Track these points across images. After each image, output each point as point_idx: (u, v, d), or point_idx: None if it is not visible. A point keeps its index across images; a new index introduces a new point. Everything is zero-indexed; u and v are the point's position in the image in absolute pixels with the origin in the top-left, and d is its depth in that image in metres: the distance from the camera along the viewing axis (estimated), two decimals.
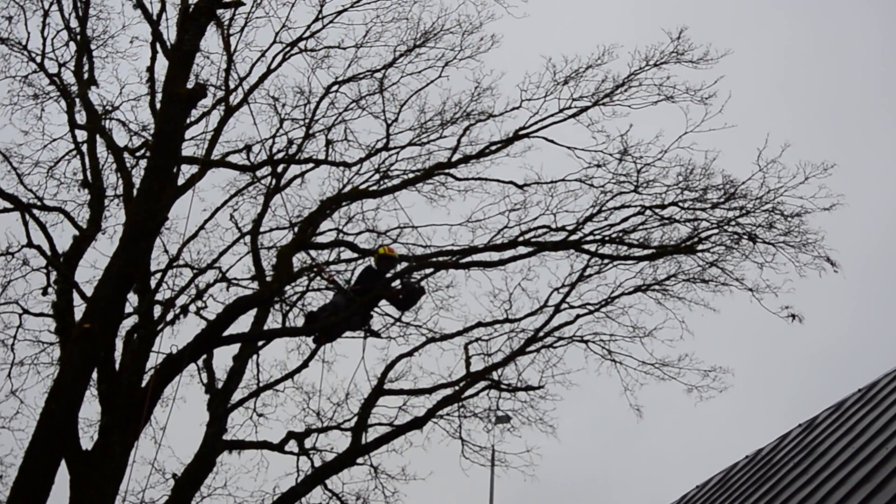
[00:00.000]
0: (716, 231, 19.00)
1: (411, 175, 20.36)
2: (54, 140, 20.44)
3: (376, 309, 18.56)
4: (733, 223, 18.91)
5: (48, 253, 18.56)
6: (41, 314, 19.26)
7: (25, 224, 18.85)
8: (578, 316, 20.09)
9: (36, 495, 15.13)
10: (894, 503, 7.81)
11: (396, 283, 17.57)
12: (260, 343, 20.01)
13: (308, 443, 20.00)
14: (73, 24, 19.85)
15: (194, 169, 19.19)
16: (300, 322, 19.74)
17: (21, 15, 20.06)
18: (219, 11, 18.96)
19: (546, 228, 19.58)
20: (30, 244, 18.88)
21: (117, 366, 17.38)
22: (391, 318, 19.75)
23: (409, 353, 20.46)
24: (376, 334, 18.88)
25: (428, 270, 19.90)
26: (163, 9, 19.08)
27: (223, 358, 19.81)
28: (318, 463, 19.68)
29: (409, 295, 17.90)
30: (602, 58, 19.68)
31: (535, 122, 19.85)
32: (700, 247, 19.08)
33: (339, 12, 20.40)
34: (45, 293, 18.91)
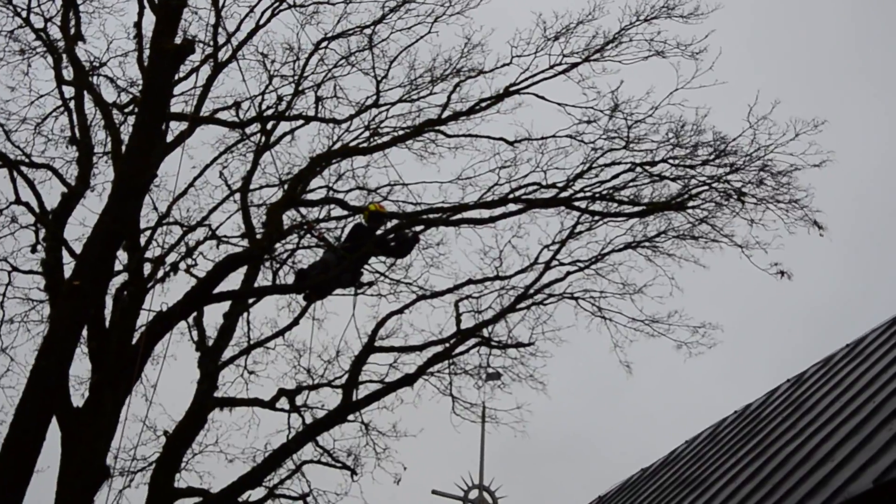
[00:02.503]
0: (706, 188, 19.08)
1: (401, 132, 20.45)
2: (41, 96, 20.46)
3: (366, 266, 18.64)
4: (723, 180, 19.00)
5: (37, 210, 18.61)
6: (30, 272, 19.32)
7: (13, 181, 18.93)
8: (569, 273, 20.21)
9: (27, 452, 15.23)
10: (881, 456, 7.90)
11: (391, 236, 17.71)
12: (250, 300, 20.20)
13: (299, 400, 20.20)
14: None
15: (183, 125, 19.31)
16: (290, 279, 19.84)
17: None
18: None
19: (536, 185, 19.65)
20: (18, 201, 18.93)
21: (107, 323, 17.50)
22: (382, 275, 19.81)
23: (400, 311, 20.56)
24: (368, 286, 19.00)
25: (418, 228, 20.05)
26: None
27: (214, 315, 20.01)
28: (309, 420, 19.88)
29: (404, 243, 18.03)
30: (592, 13, 19.68)
31: (526, 79, 19.83)
32: (690, 203, 19.16)
33: None
34: (33, 251, 18.97)
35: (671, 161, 19.25)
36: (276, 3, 20.23)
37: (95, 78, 19.96)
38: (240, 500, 18.92)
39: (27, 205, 18.79)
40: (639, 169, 19.32)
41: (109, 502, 17.43)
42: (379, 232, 18.21)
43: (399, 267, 20.42)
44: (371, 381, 20.06)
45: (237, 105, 20.47)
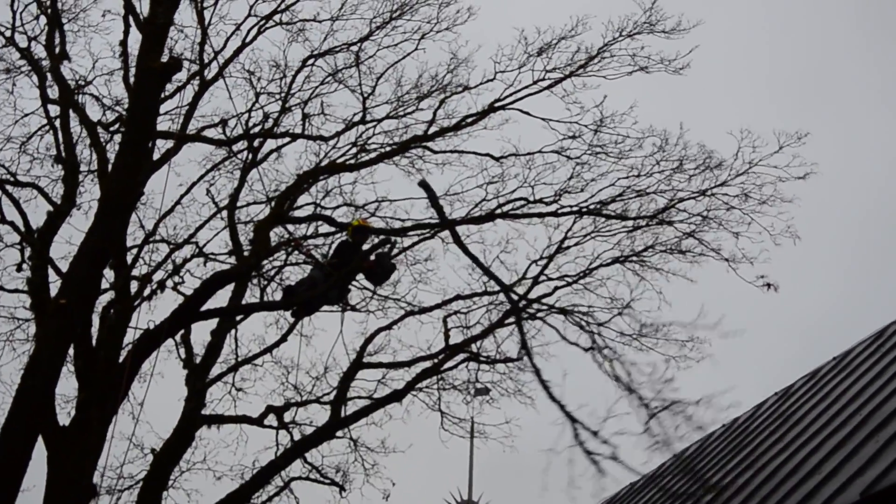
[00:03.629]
0: (692, 201, 19.19)
1: (388, 148, 20.57)
2: (26, 115, 20.55)
3: (354, 283, 18.68)
4: (709, 193, 19.09)
5: (22, 229, 18.59)
6: (16, 290, 19.35)
7: None
8: (557, 288, 20.17)
9: (13, 471, 15.18)
10: (867, 468, 7.94)
11: (372, 257, 17.73)
12: (238, 318, 20.19)
13: (287, 417, 20.24)
14: None
15: (169, 144, 19.45)
16: (278, 296, 19.90)
17: None
18: None
19: (524, 201, 19.76)
20: (3, 220, 18.90)
21: (94, 341, 17.47)
22: (369, 291, 19.90)
23: (388, 327, 20.63)
24: (354, 308, 19.05)
25: (407, 244, 20.12)
26: None
27: (201, 333, 20.01)
28: (297, 436, 19.89)
29: (383, 270, 18.04)
30: (575, 29, 19.91)
31: (510, 95, 20.06)
32: (677, 217, 19.25)
33: None
34: (19, 269, 18.98)
35: (657, 175, 19.38)
36: (263, 21, 20.39)
37: (81, 96, 20.01)
38: None
39: (12, 224, 18.77)
40: (625, 182, 19.45)
41: None
42: (365, 247, 18.28)
43: (387, 283, 20.49)
44: (359, 398, 20.16)
45: (224, 123, 20.53)
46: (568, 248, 20.08)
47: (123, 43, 19.50)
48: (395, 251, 18.90)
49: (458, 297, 20.48)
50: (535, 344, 20.50)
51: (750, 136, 18.85)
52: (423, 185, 16.64)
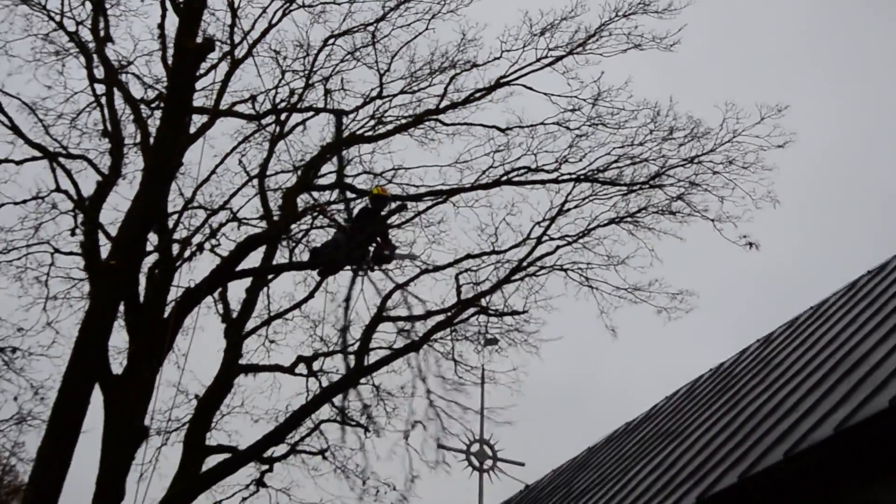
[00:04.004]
0: (681, 168, 19.40)
1: (403, 121, 20.55)
2: (76, 94, 20.42)
3: (373, 245, 18.82)
4: (697, 161, 19.30)
5: (75, 197, 18.63)
6: (70, 253, 19.27)
7: (53, 171, 18.94)
8: (558, 247, 20.17)
9: (74, 415, 15.55)
10: (840, 406, 8.02)
11: (376, 248, 18.08)
12: (269, 276, 20.21)
13: (316, 365, 20.28)
14: None
15: (204, 118, 19.48)
16: (305, 257, 19.89)
17: None
18: None
19: (527, 168, 20.00)
20: (58, 189, 18.90)
21: (141, 299, 17.73)
22: (389, 254, 19.91)
23: (405, 284, 20.55)
24: (374, 267, 19.18)
25: (421, 207, 20.30)
26: None
27: (237, 290, 20.07)
28: (325, 383, 19.98)
29: (387, 259, 18.38)
30: (575, 10, 19.90)
31: (515, 71, 20.17)
32: (667, 182, 19.45)
33: None
34: (73, 234, 18.97)
35: (649, 144, 19.58)
36: (287, 4, 20.31)
37: (124, 76, 19.97)
38: (265, 455, 19.21)
39: (66, 192, 18.79)
40: (620, 151, 19.67)
41: (148, 459, 17.70)
42: (383, 213, 18.54)
43: (403, 244, 20.62)
44: (380, 348, 20.12)
45: (253, 98, 20.52)
46: (568, 210, 20.13)
47: (161, 26, 19.54)
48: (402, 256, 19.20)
49: (468, 257, 20.47)
50: (539, 298, 20.77)
51: (734, 108, 19.01)
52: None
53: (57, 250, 19.49)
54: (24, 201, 19.55)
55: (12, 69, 20.48)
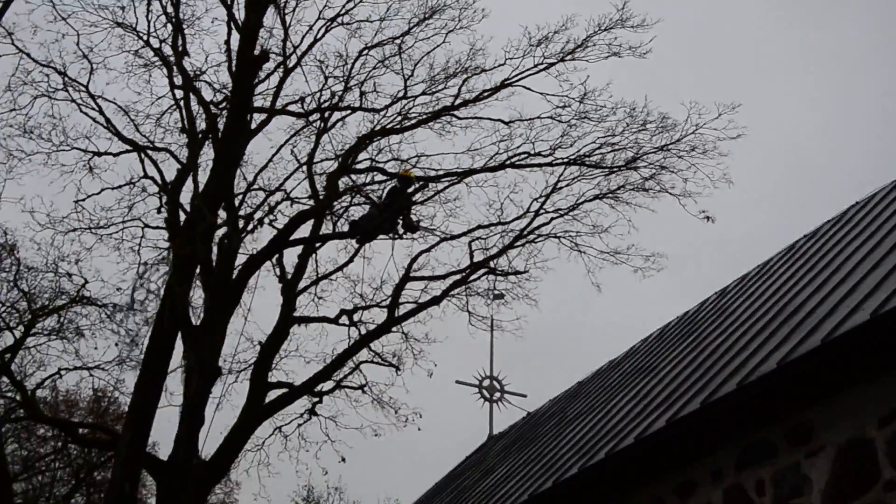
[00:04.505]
0: (653, 154, 19.52)
1: (424, 116, 20.62)
2: (159, 98, 20.42)
3: (401, 218, 18.91)
4: (665, 148, 19.41)
5: (159, 182, 18.71)
6: (157, 227, 19.40)
7: (142, 161, 19.02)
8: (552, 219, 20.24)
9: (163, 356, 15.79)
10: (782, 345, 8.03)
11: (402, 219, 18.19)
12: (317, 245, 20.28)
13: (356, 317, 20.38)
14: (170, 10, 19.99)
15: (262, 116, 19.59)
16: (346, 228, 19.95)
17: (132, 4, 20.20)
18: None
19: (527, 154, 20.13)
20: (146, 176, 18.97)
21: (214, 263, 17.88)
22: (415, 226, 19.94)
23: (428, 250, 20.71)
24: (402, 236, 19.26)
25: (440, 187, 20.41)
26: (232, 3, 19.41)
27: (290, 256, 20.19)
28: (363, 332, 20.07)
29: (407, 225, 18.52)
30: (565, 24, 19.96)
31: (516, 75, 20.21)
32: (641, 165, 19.58)
33: None
34: (159, 212, 19.09)
35: (626, 134, 19.69)
36: (329, 22, 20.36)
37: (198, 83, 20.10)
38: (315, 389, 19.44)
39: (152, 178, 18.83)
40: (603, 140, 19.79)
41: (222, 393, 17.94)
42: (409, 191, 18.65)
43: (424, 218, 20.74)
44: (408, 303, 20.28)
45: (302, 100, 20.54)
46: (560, 188, 20.18)
47: (227, 42, 19.59)
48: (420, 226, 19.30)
49: (478, 227, 20.51)
50: (537, 260, 20.89)
51: (696, 105, 19.13)
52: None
53: (146, 225, 19.61)
54: (120, 186, 19.73)
55: (110, 79, 20.79)
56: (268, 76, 20.11)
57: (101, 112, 19.80)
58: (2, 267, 19.72)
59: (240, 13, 19.26)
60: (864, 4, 75.85)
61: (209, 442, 17.46)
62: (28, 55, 20.18)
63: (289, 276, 19.98)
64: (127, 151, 19.51)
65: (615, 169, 19.71)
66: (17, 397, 18.29)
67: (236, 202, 19.27)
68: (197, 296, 18.32)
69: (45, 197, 23.08)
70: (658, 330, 15.56)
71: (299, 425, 20.28)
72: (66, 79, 19.89)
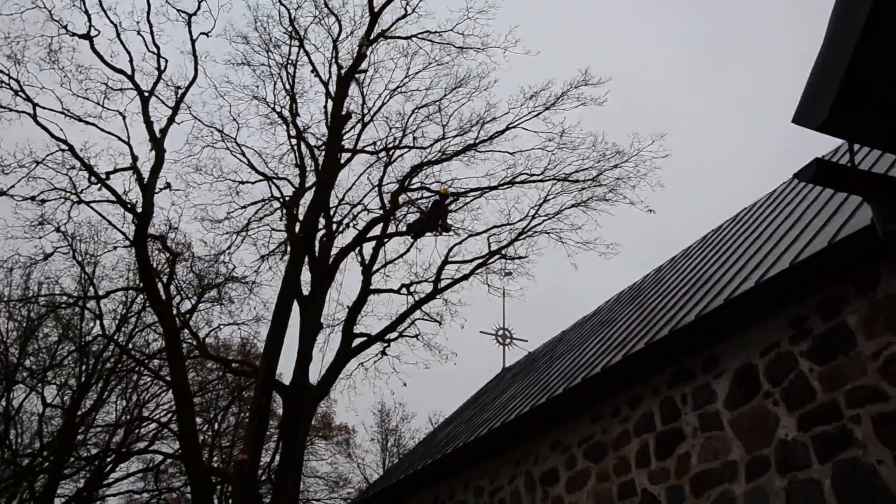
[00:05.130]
0: (612, 171, 19.65)
1: (456, 151, 20.79)
2: (280, 145, 21.74)
3: (441, 223, 19.12)
4: (619, 166, 19.54)
5: (281, 200, 19.21)
6: (280, 230, 19.94)
7: (269, 186, 19.65)
8: (543, 220, 20.39)
9: (284, 317, 16.07)
10: (698, 303, 8.09)
11: (441, 222, 18.35)
12: (384, 240, 20.47)
13: (412, 289, 20.50)
14: (288, 87, 20.35)
15: (347, 155, 19.89)
16: (404, 229, 20.21)
17: (263, 84, 20.75)
18: (357, 75, 19.48)
19: (526, 174, 20.28)
20: (272, 196, 19.57)
21: (316, 253, 18.20)
22: (451, 227, 20.13)
23: (459, 243, 20.80)
24: (442, 233, 19.44)
25: (467, 199, 20.61)
26: (329, 77, 19.67)
27: (367, 248, 20.46)
28: (417, 298, 20.23)
29: (444, 226, 18.67)
30: (549, 84, 20.32)
31: (516, 120, 20.42)
32: (604, 180, 19.69)
33: (418, 71, 21.01)
34: (280, 220, 19.57)
35: (593, 157, 19.87)
36: (392, 92, 20.72)
37: (305, 134, 20.46)
38: (385, 338, 19.63)
39: (277, 198, 19.44)
40: (577, 163, 19.94)
41: (324, 341, 18.25)
42: (446, 202, 18.83)
43: (456, 221, 20.95)
44: (446, 279, 20.39)
45: (375, 144, 20.93)
46: (548, 199, 20.38)
47: (325, 106, 19.98)
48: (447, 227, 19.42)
49: (494, 227, 20.77)
50: (534, 249, 21.06)
51: (638, 136, 19.41)
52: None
53: (273, 229, 20.18)
54: (255, 203, 20.22)
55: (249, 133, 21.82)
56: (352, 128, 20.40)
57: (243, 154, 20.35)
58: (184, 258, 20.15)
59: (332, 88, 19.56)
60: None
61: (315, 373, 17.77)
62: (199, 120, 20.82)
63: (366, 262, 20.15)
64: (260, 180, 19.97)
65: (585, 184, 19.77)
66: (194, 343, 18.73)
67: (331, 213, 19.48)
68: (306, 275, 18.68)
69: (210, 211, 23.80)
70: (616, 295, 15.57)
71: (375, 362, 20.52)
72: (223, 134, 20.43)
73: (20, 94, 17.54)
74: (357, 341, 18.97)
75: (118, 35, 18.38)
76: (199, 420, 25.91)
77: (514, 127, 20.46)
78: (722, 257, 10.00)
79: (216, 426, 30.54)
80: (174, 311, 17.10)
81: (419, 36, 20.54)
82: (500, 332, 22.12)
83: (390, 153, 20.99)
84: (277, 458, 18.96)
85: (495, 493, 11.23)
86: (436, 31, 20.54)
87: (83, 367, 26.22)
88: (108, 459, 26.04)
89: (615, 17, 70.56)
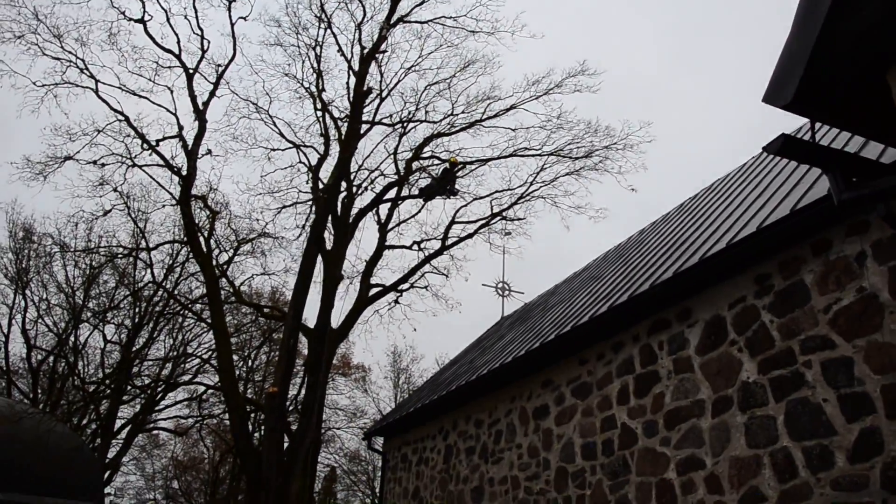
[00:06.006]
0: (603, 149, 19.49)
1: (464, 125, 20.55)
2: (307, 116, 22.08)
3: (449, 186, 19.05)
4: (609, 146, 19.38)
5: (308, 165, 19.10)
6: (306, 192, 19.86)
7: (298, 153, 19.77)
8: (540, 187, 20.12)
9: (309, 268, 16.17)
10: (676, 262, 8.21)
11: (450, 187, 18.28)
12: (399, 202, 20.46)
13: (422, 245, 20.45)
14: (315, 65, 20.11)
15: (367, 126, 19.68)
16: (416, 192, 20.15)
17: (293, 62, 20.44)
18: (377, 55, 19.30)
19: (526, 147, 20.08)
20: (300, 162, 19.38)
21: (338, 212, 18.22)
22: (458, 191, 20.07)
23: (465, 206, 20.70)
24: (450, 196, 19.40)
25: (473, 167, 20.51)
26: (351, 56, 19.46)
27: (383, 209, 20.49)
28: (427, 254, 20.21)
29: (452, 192, 18.63)
30: (550, 72, 20.10)
31: (521, 101, 20.01)
32: (595, 155, 19.53)
33: (431, 52, 20.79)
34: (307, 183, 19.53)
35: (587, 136, 19.66)
36: (407, 70, 20.36)
37: (330, 107, 20.24)
38: (398, 288, 19.66)
39: (304, 163, 19.16)
40: (570, 139, 19.75)
41: (344, 290, 18.33)
42: (454, 169, 18.74)
43: (463, 186, 20.86)
44: (453, 237, 20.32)
45: (391, 117, 20.73)
46: (545, 169, 20.21)
47: (347, 83, 19.68)
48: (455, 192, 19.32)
49: (496, 192, 20.61)
50: (532, 211, 21.03)
51: (627, 122, 19.24)
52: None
53: (300, 191, 19.99)
54: (285, 167, 20.63)
55: (280, 106, 21.81)
56: (371, 102, 20.11)
57: (275, 125, 20.17)
58: (221, 216, 20.25)
59: (355, 66, 19.36)
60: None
61: (336, 318, 17.88)
62: (237, 94, 20.94)
63: (382, 221, 20.12)
64: (289, 148, 19.70)
65: (577, 158, 19.60)
66: (231, 290, 18.93)
67: (352, 177, 19.41)
68: (328, 232, 18.72)
69: (245, 174, 23.83)
70: (603, 254, 15.61)
71: (389, 309, 20.51)
72: (257, 106, 20.39)
73: (85, 71, 17.85)
74: (373, 291, 19.06)
75: (168, 19, 18.56)
76: (235, 357, 26.33)
77: (516, 107, 20.18)
78: (697, 222, 10.03)
79: (250, 363, 31.01)
80: (214, 262, 17.23)
81: (434, 21, 20.26)
82: (500, 285, 22.27)
83: (405, 125, 20.79)
84: (303, 391, 19.32)
85: (493, 425, 11.45)
86: (451, 17, 20.24)
87: (137, 310, 26.86)
88: (159, 389, 26.71)
89: (610, 6, 69.31)
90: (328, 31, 20.16)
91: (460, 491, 11.96)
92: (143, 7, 18.40)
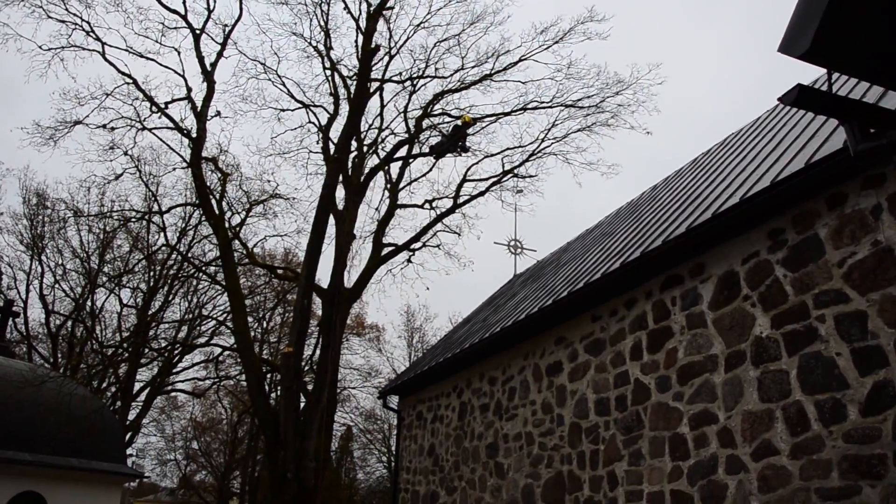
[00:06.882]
0: (614, 98, 19.22)
1: (474, 81, 20.35)
2: (316, 75, 21.96)
3: (460, 145, 18.95)
4: (619, 94, 19.11)
5: (317, 125, 18.96)
6: (316, 153, 19.97)
7: (307, 113, 19.38)
8: (552, 143, 19.97)
9: (321, 227, 16.22)
10: (689, 217, 8.17)
11: (461, 144, 18.13)
12: (410, 160, 20.38)
13: (434, 204, 20.35)
14: (322, 23, 19.86)
15: (376, 84, 19.48)
16: (427, 150, 20.09)
17: (300, 21, 20.08)
18: (384, 12, 19.03)
19: (537, 101, 19.84)
20: (309, 121, 19.80)
21: (349, 171, 18.19)
22: (468, 148, 19.96)
23: (476, 163, 20.62)
24: (461, 154, 19.32)
25: (484, 124, 20.35)
26: (359, 13, 19.21)
27: (394, 168, 20.49)
28: (439, 213, 20.18)
29: (464, 148, 18.51)
30: (558, 20, 19.73)
31: (529, 53, 19.70)
32: (607, 106, 19.26)
33: (440, 8, 20.61)
34: (317, 143, 19.42)
35: (596, 86, 19.41)
36: (416, 27, 20.06)
37: (339, 66, 20.05)
38: (411, 247, 19.71)
39: (313, 123, 19.19)
40: (582, 91, 19.51)
41: (356, 250, 18.44)
42: (465, 126, 18.61)
43: (474, 144, 20.75)
44: (465, 195, 20.20)
45: (400, 74, 20.48)
46: (556, 124, 19.99)
47: (356, 41, 19.35)
48: (466, 148, 19.11)
49: (508, 149, 20.49)
50: (544, 168, 20.92)
51: (636, 66, 18.90)
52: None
53: (310, 151, 20.20)
54: (295, 128, 20.60)
55: (289, 65, 21.70)
56: (380, 60, 19.84)
57: (284, 85, 20.09)
58: (233, 178, 20.30)
59: (363, 24, 19.09)
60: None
61: (350, 278, 18.06)
62: (244, 54, 20.51)
63: (393, 180, 20.10)
64: (298, 108, 19.52)
65: (590, 110, 19.28)
66: (244, 252, 19.09)
67: (362, 136, 19.31)
68: (340, 190, 18.79)
69: (255, 136, 23.79)
70: (615, 210, 15.62)
71: (401, 268, 20.63)
72: (265, 67, 20.23)
73: (91, 34, 17.76)
74: (386, 250, 19.10)
75: None
76: (250, 319, 26.66)
77: (526, 59, 19.84)
78: (710, 177, 9.96)
79: (265, 324, 31.44)
80: (226, 224, 17.32)
81: None
82: (512, 243, 22.32)
83: (414, 83, 20.57)
84: (318, 351, 19.59)
85: (507, 382, 11.60)
86: None
87: (151, 273, 27.22)
88: (176, 351, 27.19)
89: None
90: None
91: (475, 447, 12.19)
92: None
